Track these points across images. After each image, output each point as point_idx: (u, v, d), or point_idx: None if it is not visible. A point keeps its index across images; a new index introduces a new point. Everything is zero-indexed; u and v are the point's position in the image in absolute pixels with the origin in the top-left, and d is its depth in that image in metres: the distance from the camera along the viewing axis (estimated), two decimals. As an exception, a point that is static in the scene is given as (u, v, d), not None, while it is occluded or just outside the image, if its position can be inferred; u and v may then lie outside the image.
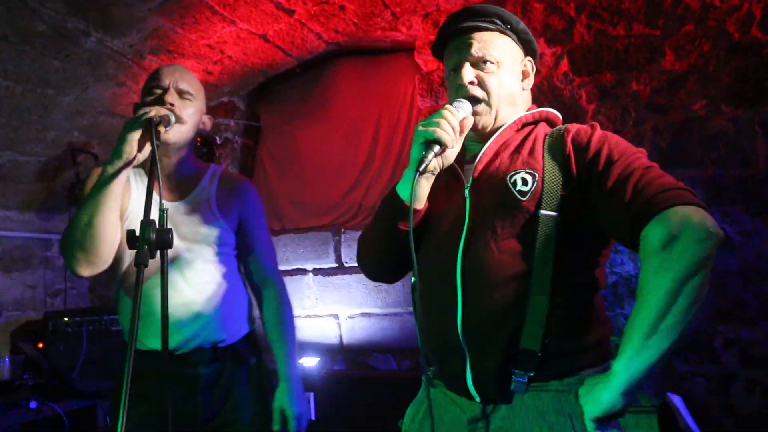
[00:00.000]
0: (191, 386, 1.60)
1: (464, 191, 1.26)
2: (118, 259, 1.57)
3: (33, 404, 2.56)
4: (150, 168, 1.25)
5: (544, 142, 1.26)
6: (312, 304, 3.51)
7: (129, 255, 1.59)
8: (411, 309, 3.20)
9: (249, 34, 3.06)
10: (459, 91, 1.29)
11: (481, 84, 1.28)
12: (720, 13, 2.50)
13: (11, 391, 2.82)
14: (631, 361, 1.00)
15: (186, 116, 1.61)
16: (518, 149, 1.27)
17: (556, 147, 1.23)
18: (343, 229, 3.50)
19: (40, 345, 3.23)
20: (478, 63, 1.29)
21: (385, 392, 2.82)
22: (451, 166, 1.26)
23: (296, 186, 3.74)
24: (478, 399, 1.16)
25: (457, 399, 1.22)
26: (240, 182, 1.85)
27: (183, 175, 1.72)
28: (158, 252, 1.15)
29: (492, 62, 1.28)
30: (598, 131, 1.23)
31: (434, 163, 1.19)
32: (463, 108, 1.24)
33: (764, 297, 2.37)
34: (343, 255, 3.48)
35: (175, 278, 1.59)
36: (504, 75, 1.30)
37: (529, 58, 1.37)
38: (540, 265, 1.12)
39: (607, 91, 2.72)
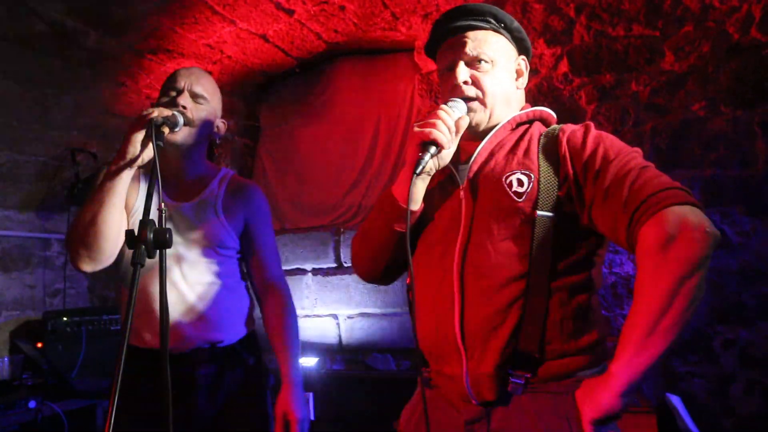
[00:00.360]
0: (189, 386, 1.59)
1: (459, 192, 1.25)
2: (120, 257, 1.58)
3: (32, 404, 2.56)
4: (151, 168, 1.26)
5: (539, 142, 1.25)
6: (311, 304, 3.51)
7: (130, 253, 1.59)
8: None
9: (249, 34, 3.06)
10: (453, 91, 1.28)
11: (476, 83, 1.27)
12: (719, 14, 2.50)
13: (10, 391, 2.81)
14: (630, 362, 0.99)
15: (197, 119, 1.62)
16: (513, 149, 1.26)
17: (551, 147, 1.22)
18: (342, 229, 3.50)
19: (39, 345, 3.23)
20: (473, 62, 1.28)
21: (384, 392, 2.82)
22: (445, 167, 1.27)
23: (296, 186, 3.74)
24: (475, 401, 1.15)
25: (453, 401, 1.21)
26: (248, 187, 1.85)
27: (192, 177, 1.72)
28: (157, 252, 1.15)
29: (486, 61, 1.28)
30: (593, 131, 1.22)
31: (430, 164, 1.19)
32: (458, 108, 1.23)
33: (763, 297, 2.38)
34: (342, 255, 3.48)
35: (176, 278, 1.60)
36: (499, 74, 1.29)
37: (522, 56, 1.37)
38: (537, 266, 1.12)
39: (607, 92, 2.73)
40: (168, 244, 1.14)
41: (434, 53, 1.39)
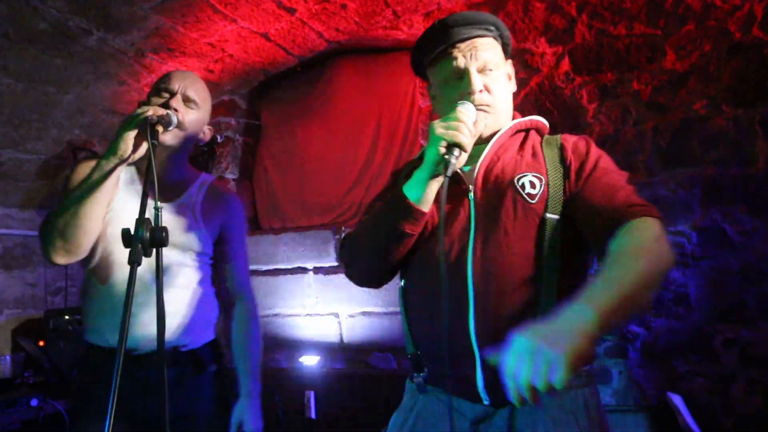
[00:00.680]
0: (147, 389, 1.57)
1: (468, 194, 1.26)
2: (91, 252, 1.57)
3: (34, 402, 2.57)
4: (146, 167, 1.26)
5: (540, 147, 1.30)
6: (312, 302, 3.52)
7: (102, 249, 1.58)
8: (411, 308, 3.20)
9: (250, 32, 3.06)
10: (466, 99, 1.27)
11: (488, 90, 1.29)
12: (721, 13, 2.50)
13: (12, 389, 2.82)
14: (606, 308, 0.95)
15: (187, 123, 1.62)
16: (520, 153, 1.29)
17: (556, 154, 1.27)
18: (343, 228, 3.50)
19: (41, 343, 3.24)
20: (483, 70, 1.30)
21: (385, 391, 2.83)
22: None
23: (297, 184, 3.74)
24: (487, 401, 1.16)
25: (455, 403, 1.21)
26: (227, 194, 1.87)
27: (173, 180, 1.72)
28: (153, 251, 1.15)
29: (493, 69, 1.31)
30: (594, 144, 1.30)
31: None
32: (470, 110, 1.23)
33: (764, 297, 2.37)
34: (343, 254, 3.48)
35: (146, 278, 1.57)
36: (502, 81, 1.33)
37: (510, 60, 1.41)
38: (548, 267, 1.15)
39: (608, 91, 2.72)
40: (165, 242, 1.14)
41: (428, 59, 1.37)
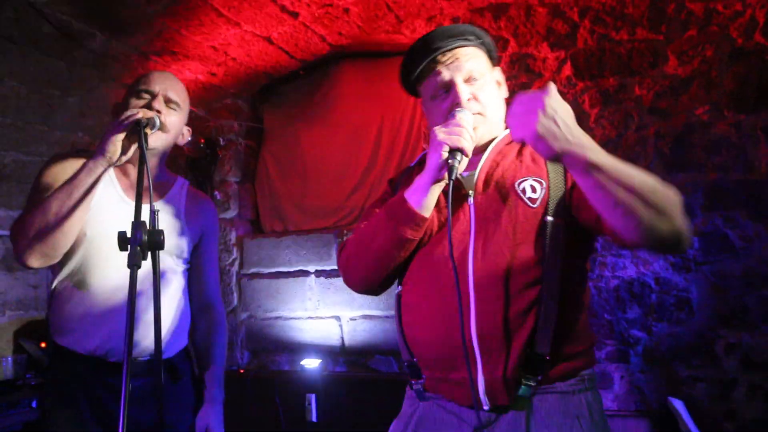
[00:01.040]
0: (129, 396, 1.55)
1: (467, 198, 1.26)
2: (68, 255, 1.52)
3: (35, 403, 2.57)
4: (138, 169, 1.24)
5: None
6: (314, 305, 3.52)
7: (80, 252, 1.54)
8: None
9: (253, 36, 3.08)
10: (454, 109, 1.28)
11: (476, 99, 1.29)
12: (723, 19, 2.51)
13: (14, 390, 2.82)
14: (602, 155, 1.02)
15: (169, 125, 1.60)
16: (519, 158, 1.29)
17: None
18: (345, 231, 3.50)
19: (43, 344, 3.24)
20: (469, 79, 1.30)
21: (387, 394, 2.82)
22: None
23: (299, 188, 3.75)
24: (487, 407, 1.15)
25: (456, 409, 1.20)
26: (205, 199, 1.87)
27: (154, 181, 1.67)
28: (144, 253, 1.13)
29: (478, 77, 1.30)
30: None
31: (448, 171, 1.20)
32: (468, 116, 1.24)
33: (766, 302, 2.38)
34: (345, 257, 3.48)
35: (124, 282, 1.55)
36: (490, 87, 1.33)
37: (497, 68, 1.41)
38: (550, 271, 1.15)
39: (610, 96, 2.73)
40: (161, 245, 1.13)
41: (415, 79, 1.38)
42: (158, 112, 1.53)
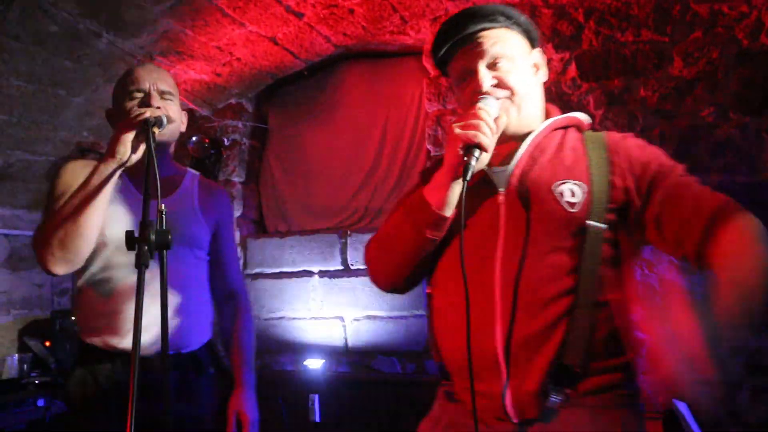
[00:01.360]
0: (150, 392, 1.57)
1: (498, 198, 1.18)
2: (89, 256, 1.53)
3: (40, 402, 2.59)
4: (146, 169, 1.25)
5: (585, 149, 1.20)
6: (317, 306, 3.52)
7: (99, 253, 1.55)
8: (417, 312, 3.21)
9: (258, 36, 3.08)
10: (477, 98, 1.19)
11: (501, 83, 1.20)
12: (728, 21, 2.50)
13: (19, 389, 2.84)
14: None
15: (173, 115, 1.61)
16: (558, 156, 1.20)
17: (601, 156, 1.17)
18: (349, 232, 3.50)
19: (48, 343, 3.25)
20: (494, 63, 1.21)
21: (390, 395, 2.83)
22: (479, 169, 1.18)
23: (303, 188, 3.75)
24: (515, 420, 1.09)
25: (485, 418, 1.13)
26: (217, 188, 1.88)
27: (164, 175, 1.68)
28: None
29: (507, 59, 1.20)
30: (641, 141, 1.21)
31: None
32: (491, 105, 1.15)
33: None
34: (349, 257, 3.48)
35: (148, 278, 1.56)
36: (520, 70, 1.22)
37: (537, 49, 1.30)
38: (586, 280, 1.08)
39: (615, 97, 2.73)
40: (169, 245, 1.14)
41: (442, 62, 1.31)
42: (158, 107, 1.53)
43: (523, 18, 1.26)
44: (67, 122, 3.22)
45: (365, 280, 3.39)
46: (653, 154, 1.17)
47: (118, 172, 1.43)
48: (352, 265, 3.48)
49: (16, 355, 3.24)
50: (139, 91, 1.58)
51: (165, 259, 1.13)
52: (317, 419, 2.93)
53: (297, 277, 3.61)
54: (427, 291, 1.30)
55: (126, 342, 1.54)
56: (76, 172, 1.56)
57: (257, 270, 3.74)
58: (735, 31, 2.49)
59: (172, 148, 1.75)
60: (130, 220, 1.56)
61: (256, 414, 1.70)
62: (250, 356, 1.78)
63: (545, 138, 1.23)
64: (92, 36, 2.71)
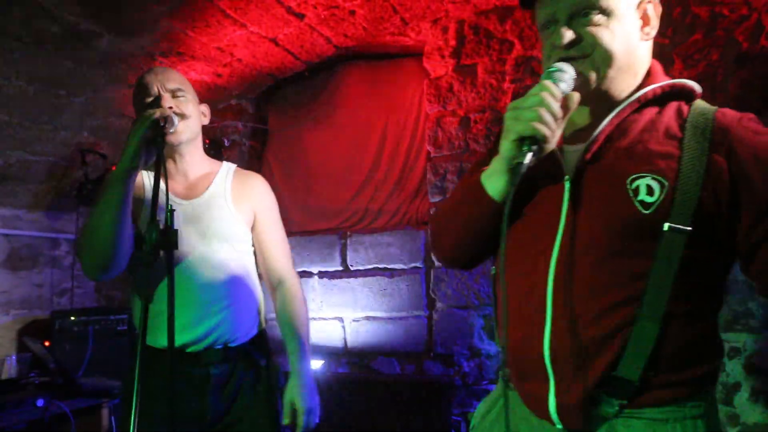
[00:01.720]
0: (201, 386, 1.60)
1: (563, 183, 1.02)
2: (132, 259, 1.57)
3: (40, 402, 2.58)
4: (156, 168, 1.28)
5: (681, 131, 0.98)
6: (317, 307, 3.52)
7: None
8: (416, 313, 3.21)
9: (259, 37, 3.09)
10: (553, 55, 1.03)
11: (585, 43, 1.00)
12: (729, 23, 2.51)
13: (18, 389, 2.83)
14: None
15: (188, 112, 1.64)
16: (642, 140, 0.99)
17: (701, 142, 0.95)
18: (349, 233, 3.51)
19: (47, 343, 3.25)
20: (580, 14, 1.00)
21: (389, 396, 2.83)
22: None
23: (303, 189, 3.76)
24: (560, 425, 1.00)
25: (528, 416, 1.07)
26: (254, 178, 1.87)
27: (197, 173, 1.74)
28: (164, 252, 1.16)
29: (601, 12, 0.99)
30: (761, 127, 0.97)
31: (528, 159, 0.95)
32: (564, 79, 0.97)
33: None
34: (348, 258, 3.49)
35: (191, 276, 1.59)
36: (617, 27, 1.00)
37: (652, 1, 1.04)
38: (656, 288, 0.93)
39: (615, 99, 2.73)
40: (174, 244, 1.15)
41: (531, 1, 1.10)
42: (170, 108, 1.56)
43: None
44: (68, 122, 3.22)
45: (364, 281, 3.40)
46: None
47: (135, 173, 1.45)
48: (351, 265, 3.48)
49: (15, 355, 3.24)
50: (148, 96, 1.61)
51: (172, 258, 1.15)
52: (316, 420, 2.93)
53: (297, 278, 3.61)
54: (492, 272, 1.20)
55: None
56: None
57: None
58: (735, 34, 2.50)
59: (199, 144, 1.76)
60: (163, 220, 1.59)
61: (309, 402, 1.69)
62: (303, 343, 1.78)
63: (636, 114, 1.02)
64: (93, 36, 2.71)
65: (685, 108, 1.02)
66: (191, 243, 1.61)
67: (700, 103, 1.03)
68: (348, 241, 3.51)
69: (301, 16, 2.93)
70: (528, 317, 1.02)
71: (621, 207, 0.95)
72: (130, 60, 2.96)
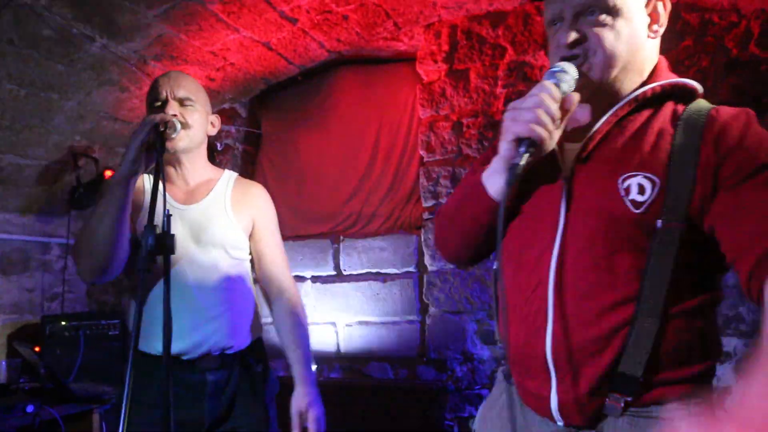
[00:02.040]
0: (198, 392, 1.60)
1: (561, 182, 1.03)
2: (129, 263, 1.57)
3: (30, 408, 2.55)
4: (155, 173, 1.28)
5: (674, 130, 0.98)
6: (310, 311, 3.51)
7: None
8: (409, 318, 3.21)
9: (252, 41, 3.09)
10: (557, 54, 1.04)
11: (589, 43, 1.00)
12: (718, 30, 2.53)
13: (7, 395, 2.81)
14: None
15: (192, 121, 1.63)
16: (635, 139, 1.00)
17: (692, 138, 0.95)
18: (342, 237, 3.51)
19: (37, 348, 3.22)
20: (586, 13, 1.00)
21: (381, 401, 2.82)
22: None
23: (296, 193, 3.75)
24: (561, 423, 1.01)
25: (529, 416, 1.08)
26: (254, 187, 1.87)
27: (197, 180, 1.74)
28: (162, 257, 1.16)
29: (607, 10, 0.99)
30: (755, 125, 0.97)
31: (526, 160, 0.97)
32: (565, 79, 0.98)
33: (760, 311, 2.39)
34: (341, 263, 3.49)
35: (187, 282, 1.59)
36: (623, 27, 1.00)
37: None
38: (653, 285, 0.94)
39: (607, 104, 2.75)
40: (171, 249, 1.16)
41: None
42: (174, 115, 1.56)
43: None
44: (60, 126, 3.21)
45: (358, 286, 3.39)
46: (751, 148, 0.93)
47: (135, 178, 1.46)
48: (344, 270, 3.48)
49: (5, 360, 3.21)
50: (157, 100, 1.61)
51: (168, 263, 1.14)
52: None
53: (289, 283, 3.60)
54: (495, 267, 1.20)
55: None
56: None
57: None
58: (725, 41, 2.52)
59: (202, 152, 1.76)
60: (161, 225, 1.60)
61: (317, 410, 1.70)
62: (305, 352, 1.79)
63: (633, 112, 1.03)
64: (86, 40, 2.70)
65: (681, 108, 1.03)
66: (188, 248, 1.61)
67: (698, 102, 1.05)
68: (341, 246, 3.51)
69: (294, 21, 2.94)
70: (530, 316, 1.03)
71: (613, 206, 0.96)
72: (122, 64, 2.96)
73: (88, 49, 2.77)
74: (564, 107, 0.98)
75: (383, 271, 3.33)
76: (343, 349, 3.41)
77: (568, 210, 1.01)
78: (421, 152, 3.21)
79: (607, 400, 0.97)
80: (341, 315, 3.43)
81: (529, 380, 1.06)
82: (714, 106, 1.02)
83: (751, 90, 2.46)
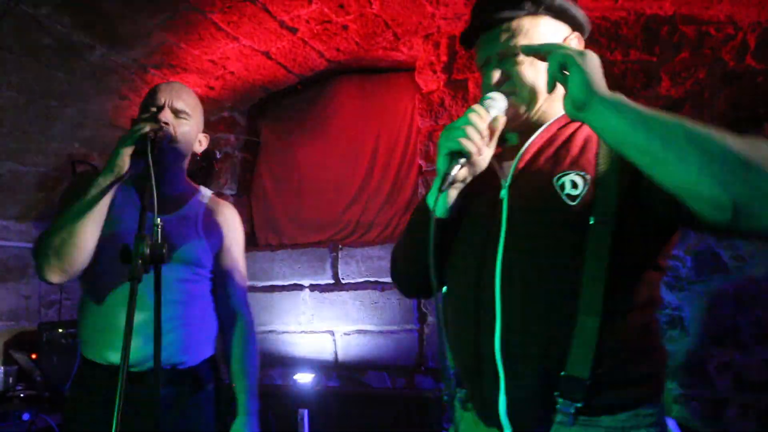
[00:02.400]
0: (145, 407, 1.51)
1: (500, 192, 1.12)
2: (88, 268, 1.53)
3: (26, 416, 2.55)
4: (145, 183, 1.27)
5: (598, 137, 1.07)
6: (308, 320, 3.51)
7: (98, 265, 1.54)
8: (407, 326, 3.21)
9: (252, 50, 3.10)
10: (487, 92, 1.15)
11: (513, 79, 1.13)
12: (715, 42, 2.55)
13: (3, 402, 2.80)
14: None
15: (180, 135, 1.62)
16: (566, 146, 1.11)
17: None
18: (340, 246, 3.51)
19: (34, 356, 3.21)
20: (508, 56, 1.13)
21: (379, 410, 2.81)
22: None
23: (294, 201, 3.76)
24: (509, 429, 1.03)
25: (485, 430, 1.09)
26: (227, 208, 1.87)
27: (172, 192, 1.71)
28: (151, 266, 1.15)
29: (522, 53, 1.11)
30: None
31: (463, 172, 1.07)
32: (495, 106, 1.10)
33: (758, 321, 2.39)
34: (340, 271, 3.48)
35: (143, 293, 1.56)
36: (540, 63, 1.10)
37: (576, 33, 1.18)
38: (590, 281, 0.98)
39: (604, 115, 2.76)
40: (164, 259, 1.15)
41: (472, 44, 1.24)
42: (166, 123, 1.55)
43: (557, 2, 1.14)
44: (59, 133, 3.21)
45: (356, 294, 3.39)
46: None
47: (117, 184, 1.45)
48: (342, 278, 3.47)
49: (2, 367, 3.20)
50: (154, 105, 1.60)
51: (160, 273, 1.14)
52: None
53: (287, 291, 3.60)
54: (443, 293, 1.25)
55: (116, 356, 1.53)
56: (83, 186, 1.57)
57: (248, 283, 3.72)
58: (721, 53, 2.54)
59: (184, 165, 1.75)
60: (128, 232, 1.56)
61: None
62: (253, 382, 1.78)
63: (559, 130, 1.15)
64: (86, 48, 2.71)
65: None
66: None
67: None
68: (339, 254, 3.51)
69: (293, 30, 2.95)
70: (479, 321, 1.07)
71: (550, 202, 1.04)
72: (122, 72, 2.97)
73: (88, 58, 2.78)
74: (492, 126, 1.09)
75: (381, 279, 3.33)
76: (341, 357, 3.40)
77: (510, 214, 1.09)
78: (420, 161, 3.22)
79: (557, 406, 0.99)
80: (339, 324, 3.42)
81: (480, 387, 1.08)
82: None
83: (747, 102, 2.47)
